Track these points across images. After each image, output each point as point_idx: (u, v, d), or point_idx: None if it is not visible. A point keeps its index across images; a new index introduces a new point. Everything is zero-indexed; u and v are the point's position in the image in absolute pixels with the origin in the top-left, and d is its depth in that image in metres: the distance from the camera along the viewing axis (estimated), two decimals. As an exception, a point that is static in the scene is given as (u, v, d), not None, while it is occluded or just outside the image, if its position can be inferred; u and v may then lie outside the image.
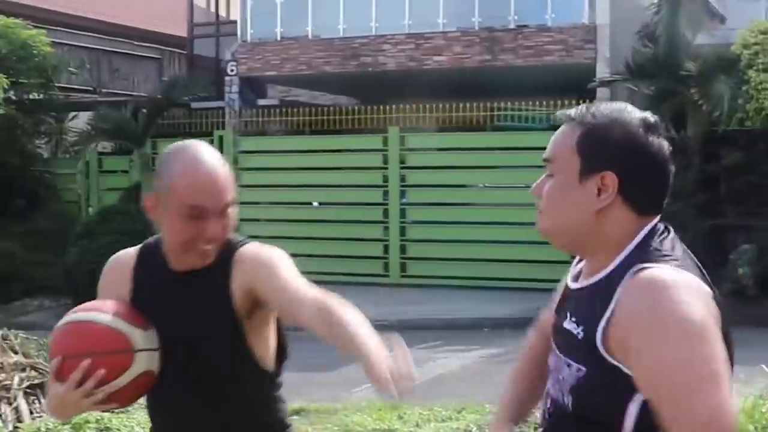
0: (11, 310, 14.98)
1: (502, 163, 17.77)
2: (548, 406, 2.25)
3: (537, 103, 17.85)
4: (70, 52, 20.59)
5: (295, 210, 18.71)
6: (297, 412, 7.98)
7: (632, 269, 1.95)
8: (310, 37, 19.80)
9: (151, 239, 2.79)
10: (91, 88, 21.94)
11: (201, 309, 2.66)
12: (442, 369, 11.59)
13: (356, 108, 19.33)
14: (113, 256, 2.84)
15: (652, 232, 2.05)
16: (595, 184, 2.01)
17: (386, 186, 17.82)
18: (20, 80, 18.26)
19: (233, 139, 18.79)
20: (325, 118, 19.23)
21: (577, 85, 17.63)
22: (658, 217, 2.11)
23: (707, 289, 1.94)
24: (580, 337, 2.03)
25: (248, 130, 19.86)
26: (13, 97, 18.16)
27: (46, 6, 22.31)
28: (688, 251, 2.08)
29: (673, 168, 2.09)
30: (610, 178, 1.99)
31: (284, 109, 20.11)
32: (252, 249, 2.70)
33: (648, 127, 2.04)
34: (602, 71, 17.67)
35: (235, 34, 21.62)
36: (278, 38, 19.96)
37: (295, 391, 8.08)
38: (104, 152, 20.33)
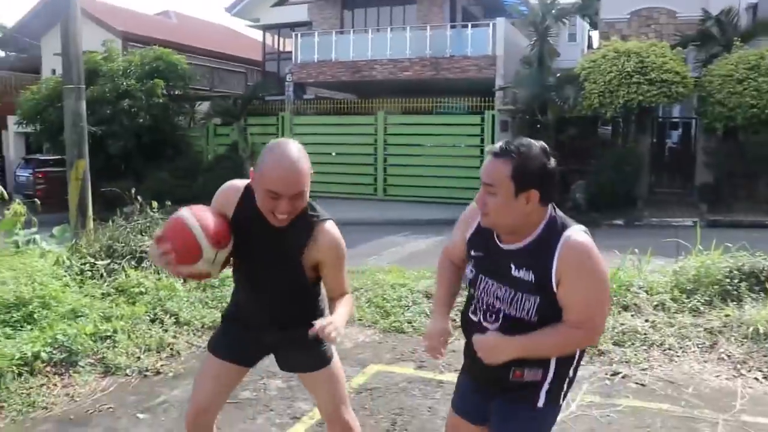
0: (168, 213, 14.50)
1: (441, 131, 18.64)
2: (493, 318, 2.20)
3: (460, 99, 18.80)
4: (197, 68, 21.32)
5: (324, 157, 18.64)
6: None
7: (562, 234, 2.07)
8: (333, 60, 20.26)
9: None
10: (207, 89, 22.65)
11: (280, 253, 2.47)
12: (413, 248, 11.90)
13: (358, 100, 20.17)
14: (228, 183, 2.58)
15: (555, 214, 2.14)
16: (524, 198, 2.03)
17: (376, 144, 18.89)
18: (171, 83, 19.08)
19: (290, 117, 19.89)
20: (341, 105, 20.21)
21: (484, 89, 18.23)
22: None
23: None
24: (533, 280, 2.08)
25: (298, 112, 20.50)
26: (166, 93, 18.94)
27: (184, 41, 23.06)
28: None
29: (556, 174, 2.12)
30: (534, 194, 2.03)
31: (318, 101, 21.11)
32: (329, 234, 2.47)
33: (545, 153, 2.07)
34: (499, 82, 18.32)
35: (290, 59, 21.89)
36: (315, 60, 20.45)
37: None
38: (217, 124, 20.89)
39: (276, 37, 26.40)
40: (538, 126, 17.41)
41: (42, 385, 4.32)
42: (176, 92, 19.87)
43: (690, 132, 18.57)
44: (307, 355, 2.67)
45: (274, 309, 2.63)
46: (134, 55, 19.39)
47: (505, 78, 18.39)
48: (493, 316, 2.20)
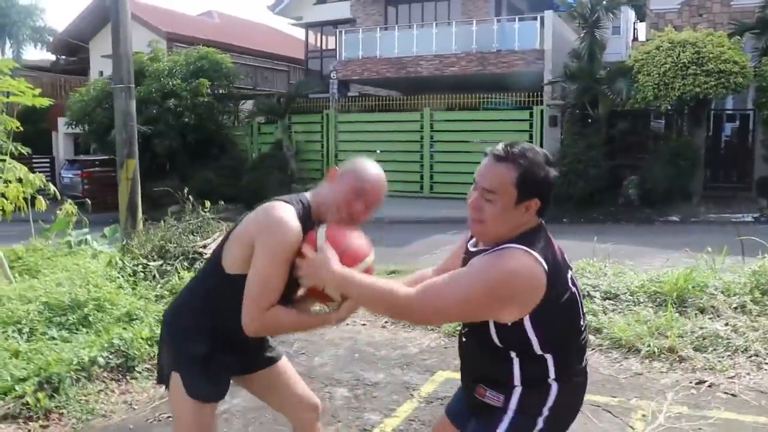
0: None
1: (488, 128, 17.96)
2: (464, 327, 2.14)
3: (508, 94, 18.26)
4: (241, 67, 21.23)
5: (369, 155, 19.17)
6: (392, 273, 7.70)
7: (510, 245, 1.90)
8: (378, 57, 20.06)
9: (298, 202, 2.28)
10: (251, 87, 22.51)
11: None
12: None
13: (403, 97, 19.98)
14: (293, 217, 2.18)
15: (536, 230, 1.96)
16: (524, 207, 1.91)
17: (422, 141, 18.71)
18: (215, 83, 19.03)
19: (334, 115, 19.73)
20: (386, 102, 20.01)
21: (533, 84, 17.83)
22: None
23: (539, 270, 1.85)
24: None
25: (342, 109, 20.19)
26: (210, 92, 18.82)
27: (228, 41, 23.08)
28: (552, 245, 1.98)
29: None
30: (535, 203, 1.92)
31: (362, 98, 20.83)
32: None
33: (548, 161, 1.94)
34: (547, 76, 17.94)
35: (333, 56, 21.82)
36: (360, 57, 20.30)
37: (385, 260, 8.44)
38: (261, 122, 20.90)
39: (319, 34, 26.30)
40: (589, 120, 17.05)
41: (100, 391, 4.20)
42: (221, 91, 19.83)
43: (747, 124, 17.93)
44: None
45: None
46: (179, 55, 19.46)
47: (553, 72, 17.99)
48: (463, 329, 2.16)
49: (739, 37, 15.94)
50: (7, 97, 6.34)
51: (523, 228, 1.95)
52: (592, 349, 5.09)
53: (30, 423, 3.79)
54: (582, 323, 2.05)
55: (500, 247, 1.92)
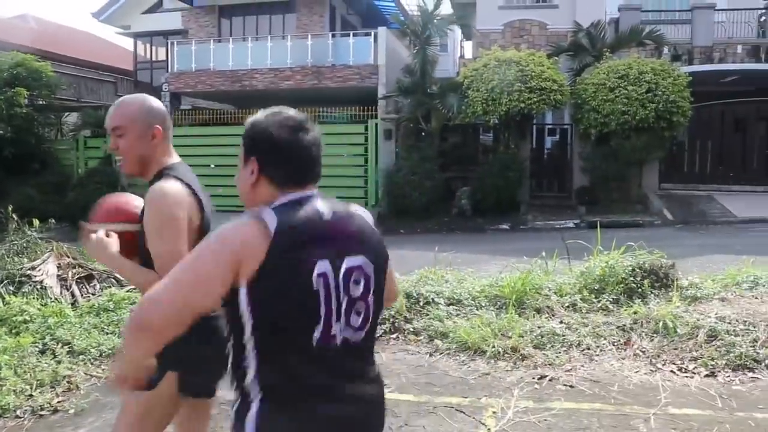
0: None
1: (324, 141, 17.40)
2: None
3: (343, 108, 18.78)
4: (63, 76, 19.81)
5: (203, 169, 17.80)
6: None
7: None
8: (211, 69, 19.77)
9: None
10: (74, 99, 21.32)
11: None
12: None
13: (238, 110, 19.66)
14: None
15: (291, 203, 1.71)
16: (249, 166, 1.75)
17: None
18: (34, 92, 17.86)
19: (167, 128, 19.45)
20: (220, 115, 19.71)
21: (367, 98, 18.23)
22: (306, 191, 1.76)
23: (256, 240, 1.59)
24: None
25: (174, 123, 18.33)
26: (29, 102, 17.70)
27: (47, 48, 21.46)
28: (320, 214, 1.71)
29: (308, 154, 1.77)
30: (254, 163, 1.74)
31: (195, 111, 20.49)
32: (153, 189, 2.29)
33: (285, 124, 1.77)
34: (381, 91, 18.33)
35: (163, 68, 21.29)
36: (193, 69, 19.91)
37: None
38: (87, 136, 19.81)
39: (148, 45, 25.40)
40: (423, 134, 17.68)
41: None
42: (41, 102, 18.69)
43: (566, 138, 19.33)
44: None
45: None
46: (-10, 61, 17.93)
47: (387, 87, 18.46)
48: None
49: (556, 58, 17.31)
50: None
51: (261, 198, 1.76)
52: (440, 353, 5.29)
53: None
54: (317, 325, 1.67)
55: None
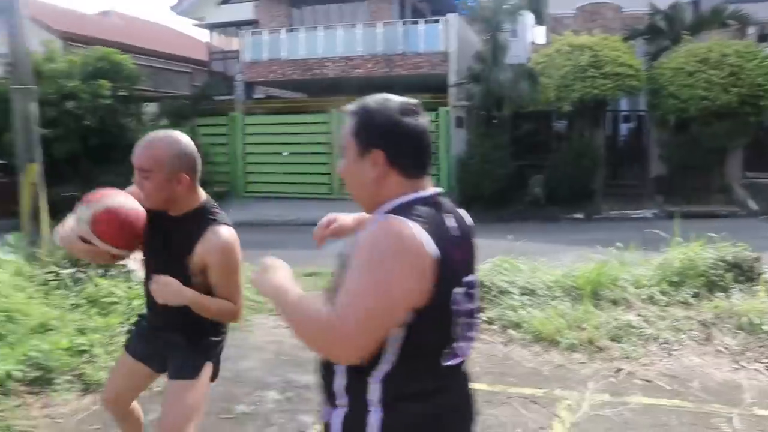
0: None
1: None
2: None
3: (414, 96, 18.64)
4: (142, 68, 20.12)
5: (276, 157, 19.28)
6: (310, 275, 7.64)
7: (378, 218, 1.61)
8: (283, 58, 19.79)
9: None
10: (153, 89, 21.47)
11: (169, 251, 2.47)
12: None
13: (310, 99, 20.10)
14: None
15: (421, 199, 1.65)
16: (370, 159, 1.65)
17: (330, 142, 18.26)
18: (116, 84, 18.22)
19: (241, 117, 19.57)
20: (292, 104, 20.04)
21: (438, 86, 18.05)
22: (432, 186, 1.70)
23: (430, 249, 1.50)
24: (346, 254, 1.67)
25: (248, 111, 19.94)
26: (112, 94, 17.98)
27: (128, 41, 22.16)
28: (449, 221, 1.65)
29: (429, 139, 1.71)
30: (379, 155, 1.64)
31: (269, 100, 20.90)
32: (220, 237, 2.41)
33: (404, 110, 1.67)
34: (452, 79, 18.16)
35: (236, 58, 21.36)
36: (265, 59, 19.98)
37: (300, 263, 8.97)
38: (165, 125, 18.95)
39: (222, 36, 25.92)
40: (494, 121, 17.47)
41: (17, 406, 3.98)
42: (122, 93, 18.84)
43: (641, 125, 18.83)
44: (175, 360, 2.59)
45: (161, 310, 2.47)
46: (77, 56, 18.56)
47: (458, 74, 18.24)
48: None
49: (632, 42, 16.80)
50: None
51: (395, 194, 1.67)
52: (514, 343, 5.28)
53: None
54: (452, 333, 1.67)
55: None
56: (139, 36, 25.07)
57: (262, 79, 20.70)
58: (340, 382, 1.66)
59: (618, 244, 7.01)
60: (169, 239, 2.47)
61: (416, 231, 1.52)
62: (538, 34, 28.61)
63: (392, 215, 1.58)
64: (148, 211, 2.46)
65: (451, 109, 17.90)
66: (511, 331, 5.48)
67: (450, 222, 1.68)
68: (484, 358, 5.03)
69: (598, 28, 18.92)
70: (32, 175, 7.26)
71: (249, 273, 1.88)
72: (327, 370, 1.70)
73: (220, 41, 26.30)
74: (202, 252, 2.40)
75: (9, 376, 4.09)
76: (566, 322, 5.39)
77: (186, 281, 2.38)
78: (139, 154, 2.37)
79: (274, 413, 4.08)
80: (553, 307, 5.72)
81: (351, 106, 1.74)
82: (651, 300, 5.91)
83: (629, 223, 12.93)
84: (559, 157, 16.42)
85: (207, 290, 2.44)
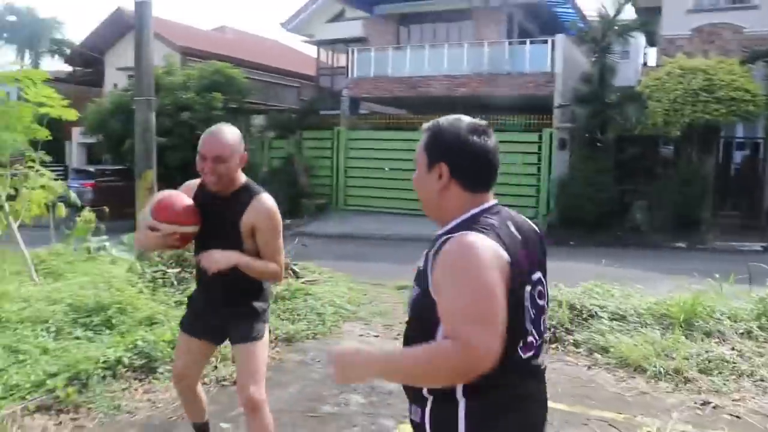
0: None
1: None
2: None
3: (517, 116, 18.34)
4: (253, 82, 21.34)
5: (378, 172, 19.59)
6: (401, 288, 7.90)
7: (455, 233, 1.72)
8: (389, 75, 20.29)
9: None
10: (262, 102, 22.67)
11: (223, 220, 2.90)
12: None
13: (413, 116, 20.17)
14: (187, 181, 3.11)
15: (484, 211, 1.81)
16: (437, 173, 1.82)
17: None
18: (228, 97, 19.17)
19: (345, 132, 20.09)
20: (396, 120, 20.31)
21: (542, 107, 18.03)
22: (493, 199, 1.87)
23: (503, 253, 1.66)
24: (421, 269, 1.79)
25: (352, 126, 20.52)
26: (223, 106, 18.87)
27: (240, 56, 23.24)
28: (510, 227, 1.80)
29: (495, 159, 1.85)
30: (444, 168, 1.81)
31: (373, 116, 21.37)
32: (264, 201, 2.90)
33: (472, 130, 1.83)
34: (557, 100, 18.11)
35: (343, 74, 22.23)
36: (371, 76, 20.53)
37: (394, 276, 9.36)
38: (272, 137, 20.90)
39: (330, 52, 26.62)
40: (598, 144, 17.18)
41: (125, 389, 4.41)
42: (233, 105, 19.98)
43: (757, 153, 18.01)
44: (238, 327, 3.04)
45: (220, 284, 2.96)
46: (193, 69, 19.76)
47: (563, 95, 18.15)
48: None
49: (751, 65, 16.09)
50: (40, 107, 6.54)
51: (460, 207, 1.82)
52: (599, 367, 5.25)
53: (61, 415, 4.05)
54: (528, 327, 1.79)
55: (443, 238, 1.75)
56: (251, 51, 26.36)
57: (368, 95, 21.17)
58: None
59: (715, 275, 6.81)
60: (222, 216, 2.91)
61: (488, 239, 1.68)
62: (651, 56, 28.00)
63: (462, 231, 1.72)
64: (205, 196, 2.96)
65: (554, 131, 17.74)
66: (597, 355, 5.46)
67: (512, 227, 1.81)
68: (567, 379, 5.03)
69: (714, 50, 18.20)
70: (148, 180, 7.79)
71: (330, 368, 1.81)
72: None
73: (328, 57, 27.04)
74: (251, 217, 2.89)
75: (119, 361, 4.55)
76: (654, 350, 5.30)
77: (238, 246, 2.87)
78: (215, 145, 2.85)
79: (357, 415, 4.25)
80: (642, 334, 5.64)
81: (426, 124, 1.92)
82: (748, 335, 5.72)
83: (735, 256, 12.40)
84: (665, 183, 15.92)
85: (256, 256, 2.93)
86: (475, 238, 1.68)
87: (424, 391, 1.78)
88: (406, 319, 1.91)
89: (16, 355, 4.46)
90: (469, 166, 1.83)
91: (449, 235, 1.73)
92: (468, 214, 1.81)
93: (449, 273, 1.67)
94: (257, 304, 3.04)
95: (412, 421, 1.88)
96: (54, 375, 4.23)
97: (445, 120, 1.89)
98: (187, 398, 3.30)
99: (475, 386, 1.68)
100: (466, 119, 1.88)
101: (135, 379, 4.53)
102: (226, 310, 3.04)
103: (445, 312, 1.66)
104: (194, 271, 3.15)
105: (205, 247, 2.90)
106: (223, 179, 2.87)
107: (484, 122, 1.89)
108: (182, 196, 2.96)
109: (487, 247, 1.66)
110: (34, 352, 4.49)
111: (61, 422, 3.99)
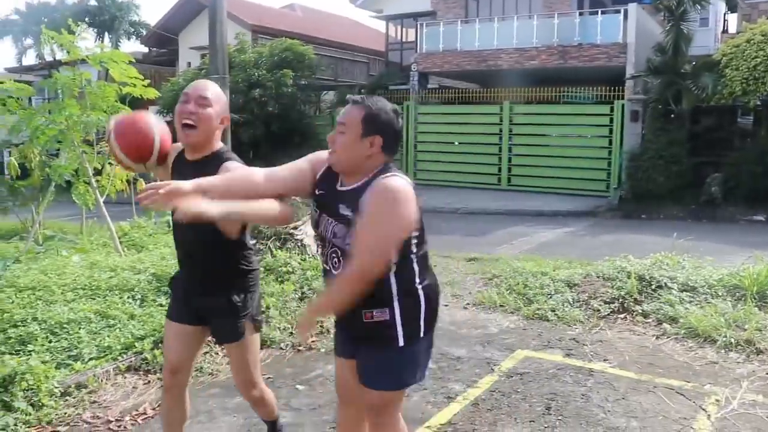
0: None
1: (567, 122, 18.07)
2: (331, 249, 2.37)
3: (589, 88, 18.13)
4: (322, 58, 21.60)
5: (448, 146, 19.74)
6: (471, 260, 8.19)
7: (378, 178, 2.26)
8: (458, 49, 20.17)
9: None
10: (332, 78, 22.91)
11: None
12: (542, 239, 11.35)
13: (483, 89, 20.06)
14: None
15: (389, 165, 2.33)
16: (369, 141, 2.26)
17: (501, 134, 18.65)
18: (298, 73, 19.49)
19: (414, 106, 20.02)
20: (465, 94, 20.06)
21: (614, 78, 17.65)
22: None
23: (412, 191, 2.25)
24: (351, 217, 2.26)
25: (422, 101, 20.50)
26: (293, 83, 19.21)
27: (310, 33, 23.65)
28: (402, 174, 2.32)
29: (401, 132, 2.42)
30: (378, 140, 2.27)
31: (442, 90, 21.11)
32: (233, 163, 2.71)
33: (396, 112, 2.33)
34: (629, 71, 17.64)
35: (412, 48, 22.17)
36: (440, 50, 20.44)
37: (463, 248, 9.46)
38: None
39: (399, 27, 26.58)
40: (672, 116, 16.76)
41: (206, 352, 4.67)
42: (303, 82, 20.27)
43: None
44: (219, 328, 2.92)
45: (197, 267, 2.84)
46: (264, 47, 20.08)
47: (636, 66, 17.66)
48: (335, 257, 2.37)
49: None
50: (123, 87, 6.88)
51: (377, 165, 2.31)
52: (668, 337, 5.27)
53: (149, 375, 4.37)
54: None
55: (372, 181, 2.27)
56: (320, 27, 26.59)
57: (437, 70, 21.08)
58: (391, 288, 2.35)
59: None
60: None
61: (407, 182, 2.29)
62: (731, 23, 27.02)
63: (388, 175, 2.27)
64: (178, 162, 2.89)
65: (626, 102, 17.37)
66: (665, 325, 5.46)
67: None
68: (634, 348, 5.07)
69: (801, 14, 17.49)
70: (223, 156, 8.04)
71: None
72: (380, 284, 2.30)
73: (396, 32, 27.00)
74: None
75: (201, 327, 4.79)
76: (725, 321, 5.28)
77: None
78: (200, 85, 2.81)
79: (426, 379, 4.30)
80: (713, 305, 5.62)
81: (358, 98, 2.36)
82: (823, 306, 5.62)
83: (817, 229, 12.02)
84: (742, 155, 15.39)
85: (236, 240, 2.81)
86: (400, 180, 2.27)
87: (394, 294, 2.33)
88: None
89: (107, 320, 4.79)
90: (393, 140, 2.35)
91: (376, 179, 2.27)
92: (386, 167, 2.33)
93: (372, 203, 2.21)
94: (235, 298, 2.82)
95: (371, 329, 2.35)
96: (141, 338, 4.55)
97: (381, 102, 2.34)
98: (173, 399, 3.00)
99: (423, 283, 2.39)
100: (389, 103, 2.37)
101: (215, 343, 4.71)
102: (203, 300, 2.84)
103: (356, 234, 2.23)
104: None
105: (178, 231, 2.84)
106: (202, 127, 2.72)
107: (397, 106, 2.42)
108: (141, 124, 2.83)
109: (408, 186, 2.26)
110: (123, 317, 4.83)
111: (149, 381, 4.30)
